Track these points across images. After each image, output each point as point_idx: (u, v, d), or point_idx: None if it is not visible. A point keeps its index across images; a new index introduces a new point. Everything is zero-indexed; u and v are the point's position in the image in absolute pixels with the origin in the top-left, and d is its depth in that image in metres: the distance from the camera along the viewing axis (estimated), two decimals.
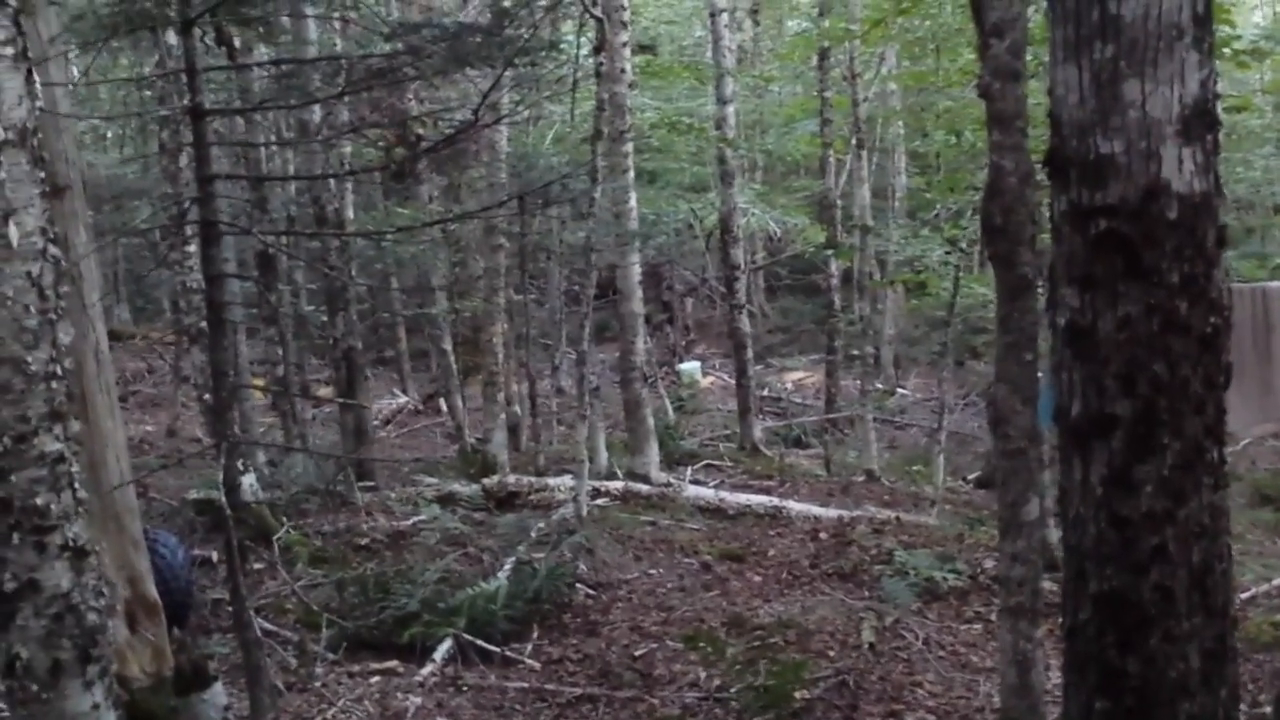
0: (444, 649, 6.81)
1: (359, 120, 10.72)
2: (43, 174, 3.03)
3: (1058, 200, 2.87)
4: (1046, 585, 5.39)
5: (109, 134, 22.48)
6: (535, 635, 7.25)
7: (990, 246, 5.36)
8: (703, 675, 6.51)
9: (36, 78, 3.00)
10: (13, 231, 2.92)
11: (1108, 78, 2.74)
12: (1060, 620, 3.16)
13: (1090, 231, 2.78)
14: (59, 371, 3.04)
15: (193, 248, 9.14)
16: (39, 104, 3.04)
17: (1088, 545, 2.87)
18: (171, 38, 9.10)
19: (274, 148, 12.54)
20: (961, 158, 14.04)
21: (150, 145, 15.84)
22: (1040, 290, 5.63)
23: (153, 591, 5.85)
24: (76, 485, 3.09)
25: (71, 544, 3.05)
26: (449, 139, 8.34)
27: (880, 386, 18.82)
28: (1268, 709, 5.45)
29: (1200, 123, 2.75)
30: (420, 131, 11.24)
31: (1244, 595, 7.57)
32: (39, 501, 2.98)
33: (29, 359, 2.95)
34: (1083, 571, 2.89)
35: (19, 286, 2.94)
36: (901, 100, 20.62)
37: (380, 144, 11.83)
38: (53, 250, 3.03)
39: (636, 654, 6.94)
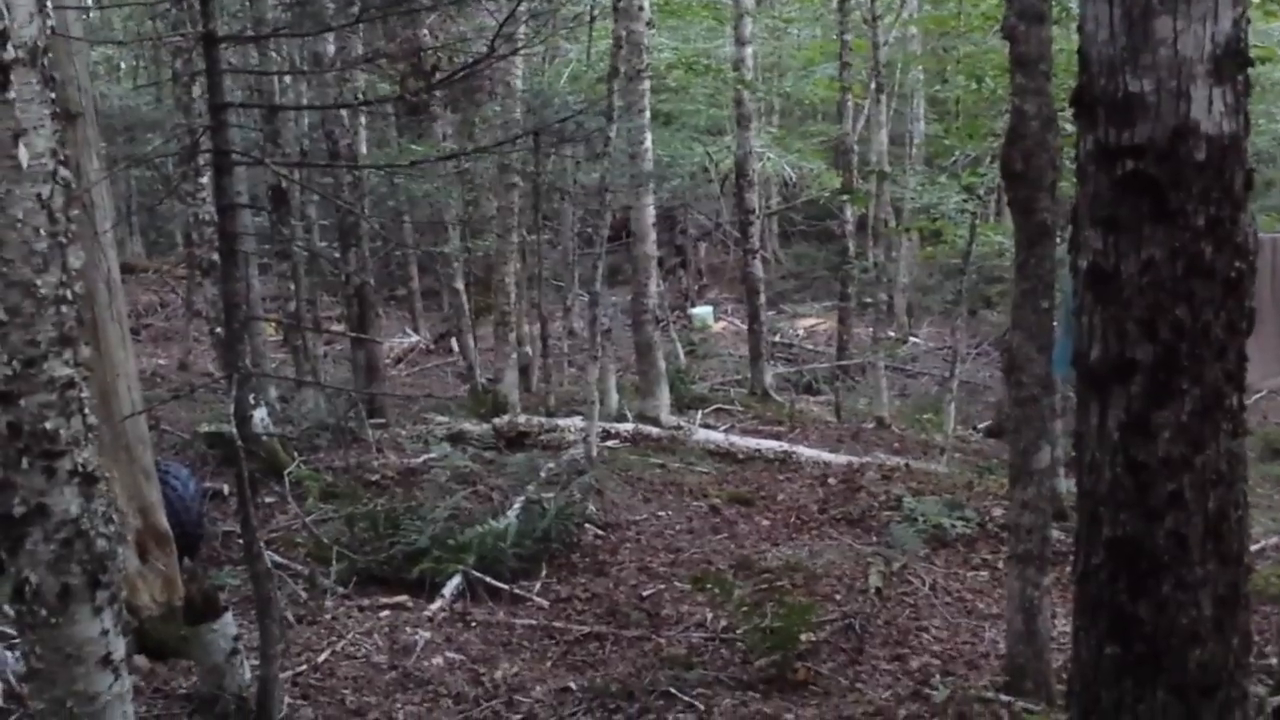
0: (453, 585, 6.86)
1: (373, 52, 10.61)
2: (53, 95, 2.98)
3: (1084, 140, 2.81)
4: (1055, 534, 5.39)
5: (123, 64, 22.35)
6: (544, 574, 7.30)
7: (1010, 192, 5.31)
8: (709, 616, 6.55)
9: None
10: (22, 152, 2.87)
11: (1139, 14, 2.67)
12: (1068, 568, 3.14)
13: (1116, 172, 2.72)
14: (69, 296, 3.01)
15: (205, 179, 9.09)
16: (51, 24, 2.99)
17: (1102, 490, 2.84)
18: None
19: (287, 80, 12.43)
20: (981, 104, 13.87)
21: (164, 75, 15.71)
22: (1060, 239, 5.58)
23: (164, 522, 5.87)
24: (86, 411, 3.08)
25: (81, 469, 3.04)
26: (464, 69, 8.25)
27: (893, 334, 18.77)
28: (1274, 660, 5.45)
29: (1232, 62, 2.68)
30: (434, 64, 11.13)
31: (1253, 547, 7.56)
32: (48, 426, 2.97)
33: (38, 282, 2.92)
34: (1096, 516, 2.87)
35: (29, 209, 2.90)
36: (922, 45, 20.40)
37: (394, 78, 11.73)
38: (63, 173, 2.99)
39: (644, 594, 6.98)
